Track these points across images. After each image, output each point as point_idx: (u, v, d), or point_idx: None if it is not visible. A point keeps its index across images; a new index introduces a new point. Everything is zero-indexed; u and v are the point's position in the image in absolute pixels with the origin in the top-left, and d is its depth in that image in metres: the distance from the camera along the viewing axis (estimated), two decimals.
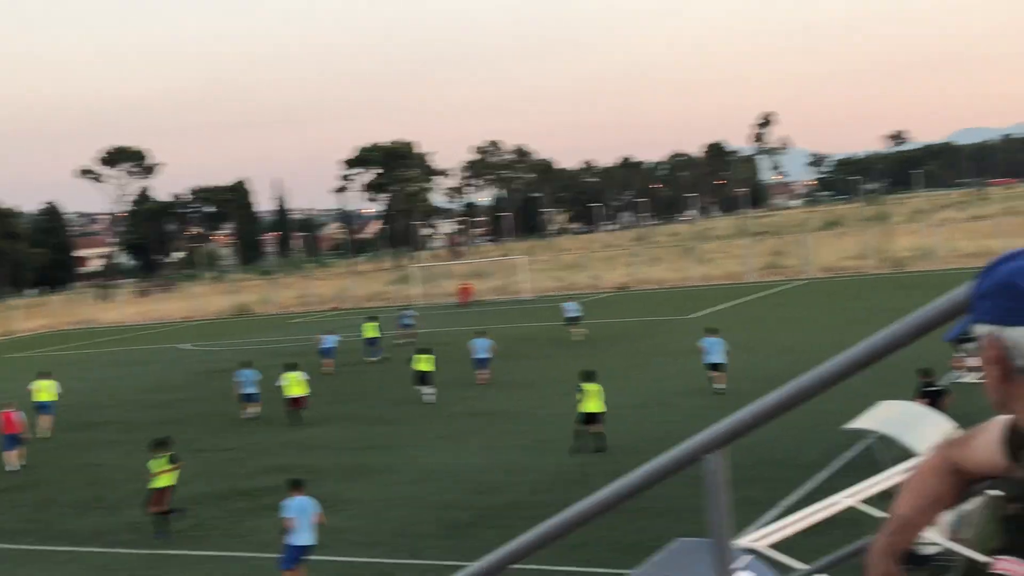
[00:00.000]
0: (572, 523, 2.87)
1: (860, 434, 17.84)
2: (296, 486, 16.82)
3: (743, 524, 16.23)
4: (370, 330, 43.00)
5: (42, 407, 32.51)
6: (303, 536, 16.26)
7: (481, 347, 34.90)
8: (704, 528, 2.72)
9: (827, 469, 19.94)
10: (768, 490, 18.85)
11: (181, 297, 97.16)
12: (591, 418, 24.03)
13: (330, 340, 41.23)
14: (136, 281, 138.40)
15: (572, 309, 45.85)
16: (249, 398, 32.18)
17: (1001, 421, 2.20)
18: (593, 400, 24.10)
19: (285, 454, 26.38)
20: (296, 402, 30.78)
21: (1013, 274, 1.95)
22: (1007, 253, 2.01)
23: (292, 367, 31.63)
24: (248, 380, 32.41)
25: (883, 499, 7.59)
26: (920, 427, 15.60)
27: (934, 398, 19.62)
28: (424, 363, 32.40)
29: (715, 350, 29.41)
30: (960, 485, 2.27)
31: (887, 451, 16.44)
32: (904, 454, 14.58)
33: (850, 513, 7.59)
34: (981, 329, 2.00)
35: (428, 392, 31.95)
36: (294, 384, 30.88)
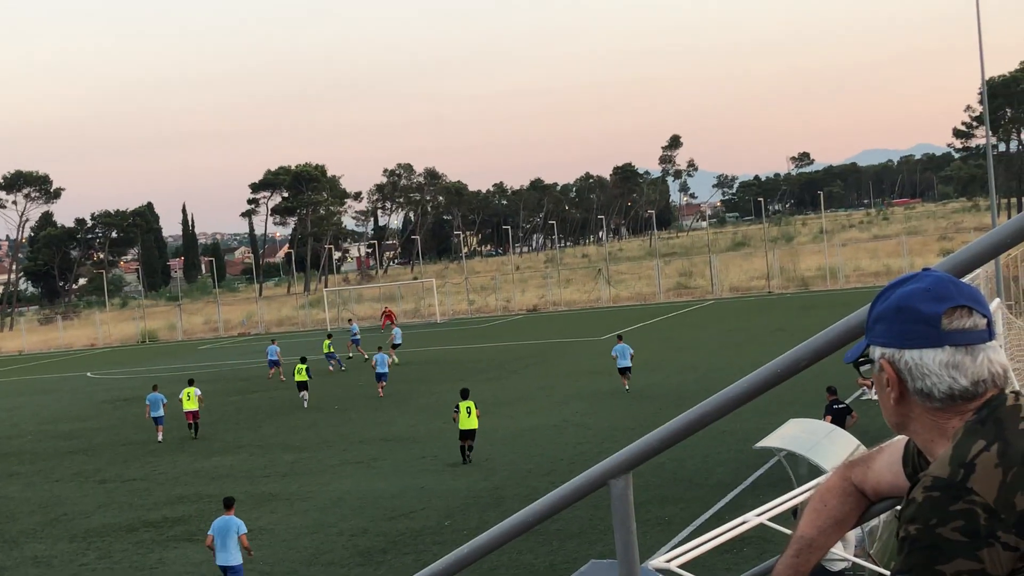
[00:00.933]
0: (486, 547, 2.86)
1: (770, 452, 18.06)
2: (227, 505, 16.89)
3: (656, 544, 16.32)
4: (326, 346, 46.74)
5: None
6: (220, 555, 16.32)
7: (381, 361, 37.75)
8: (615, 549, 2.73)
9: (738, 487, 20.15)
10: (681, 510, 18.99)
11: (85, 324, 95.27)
12: (467, 434, 25.09)
13: (272, 351, 45.42)
14: (38, 308, 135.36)
15: (398, 335, 49.39)
16: (156, 421, 32.44)
17: (900, 442, 2.24)
18: (468, 417, 25.11)
19: (192, 483, 25.92)
20: (188, 416, 32.75)
21: (908, 297, 1.98)
22: (901, 276, 2.05)
23: (190, 382, 33.64)
24: (155, 403, 32.49)
25: (793, 517, 7.66)
26: (828, 445, 15.84)
27: (840, 416, 19.93)
28: (303, 373, 36.52)
29: (624, 355, 33.16)
30: (861, 505, 2.30)
31: (797, 469, 16.68)
32: (814, 472, 14.79)
33: (760, 531, 7.65)
34: (877, 351, 2.03)
35: (305, 396, 36.53)
36: (186, 399, 32.69)
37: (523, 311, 72.59)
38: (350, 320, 58.92)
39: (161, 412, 32.34)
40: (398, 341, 48.40)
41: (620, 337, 35.45)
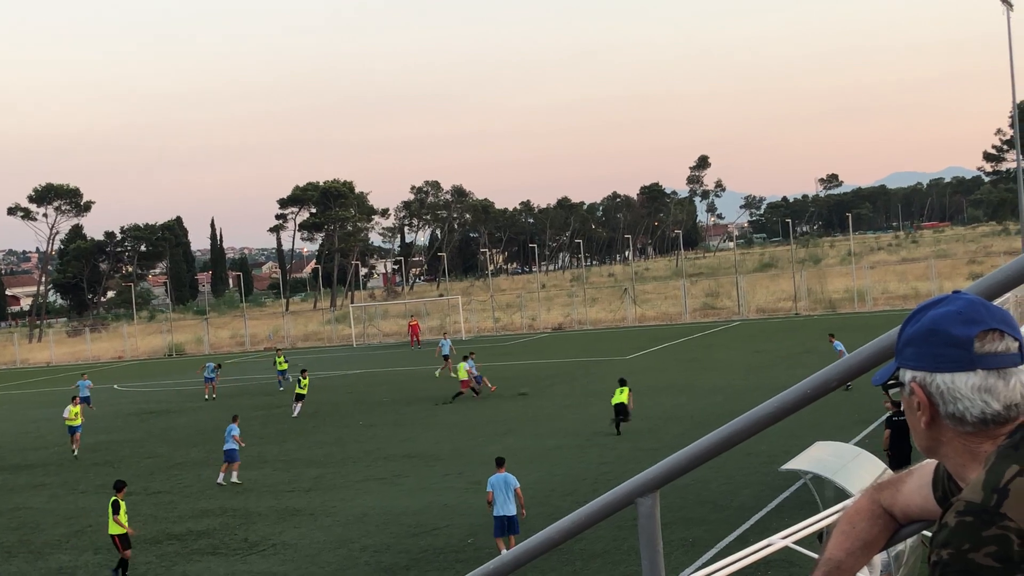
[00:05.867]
0: (509, 566, 2.86)
1: (796, 475, 17.95)
2: (499, 464, 19.13)
3: (680, 566, 16.24)
4: (461, 372, 41.14)
5: None
6: (501, 507, 18.46)
7: (445, 345, 48.52)
8: (639, 570, 2.71)
9: (763, 510, 20.03)
10: (705, 532, 18.89)
11: (113, 337, 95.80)
12: (620, 408, 29.84)
13: (209, 368, 48.74)
14: (67, 321, 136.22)
15: (446, 346, 50.13)
16: (228, 455, 27.97)
17: (929, 465, 2.22)
18: (621, 394, 29.95)
19: (217, 497, 25.99)
20: (464, 383, 38.83)
21: (939, 320, 1.97)
22: (932, 299, 2.03)
23: (465, 357, 40.29)
24: (228, 434, 28.35)
25: (819, 540, 7.62)
26: (855, 468, 15.73)
27: (902, 429, 19.42)
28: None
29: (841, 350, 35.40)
30: (890, 528, 2.28)
31: (823, 492, 16.57)
32: (840, 495, 14.69)
33: (786, 554, 7.60)
34: (907, 374, 2.02)
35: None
36: (461, 371, 39.27)
37: (548, 329, 72.52)
38: (445, 335, 56.84)
39: (233, 445, 27.96)
40: (446, 352, 48.91)
41: (832, 336, 36.76)
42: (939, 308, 1.98)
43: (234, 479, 27.38)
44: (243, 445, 28.90)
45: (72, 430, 34.74)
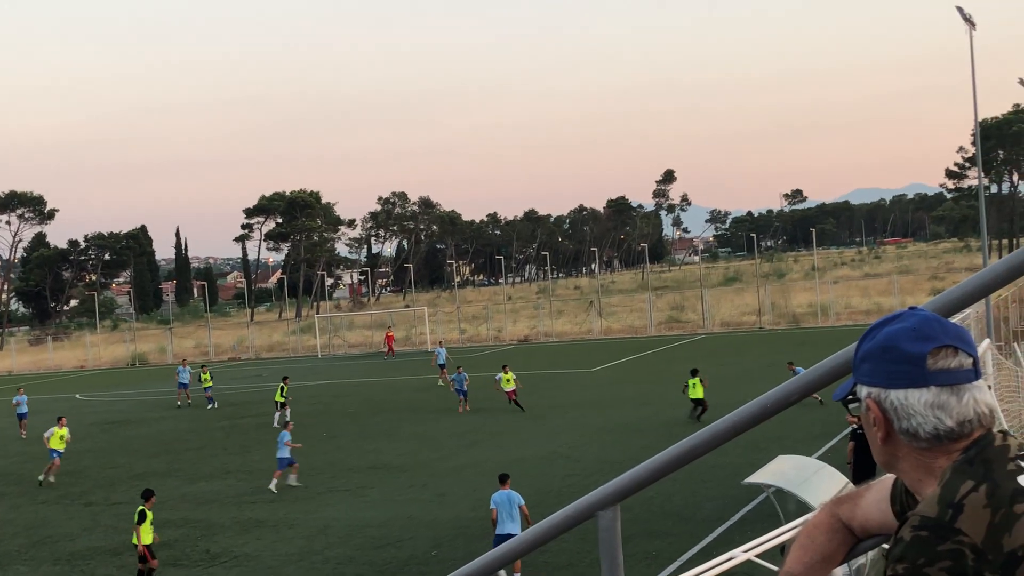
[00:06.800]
0: None
1: (758, 488, 18.03)
2: (503, 480, 18.35)
3: None
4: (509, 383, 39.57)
5: None
6: (505, 526, 17.56)
7: (440, 354, 48.44)
8: None
9: (726, 523, 20.10)
10: (668, 544, 18.93)
11: (75, 346, 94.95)
12: (698, 402, 31.66)
13: (184, 373, 48.34)
14: (29, 329, 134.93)
15: (441, 355, 49.92)
16: (282, 463, 27.41)
17: (888, 480, 2.24)
18: (696, 389, 31.84)
19: (179, 508, 25.78)
20: (511, 393, 37.62)
21: (893, 337, 1.99)
22: (887, 315, 2.06)
23: (504, 367, 38.71)
24: (280, 441, 27.73)
25: (780, 553, 7.67)
26: (817, 482, 15.82)
27: (867, 442, 19.65)
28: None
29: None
30: (849, 542, 2.30)
31: (785, 505, 16.65)
32: (802, 508, 14.77)
33: (748, 567, 7.65)
34: (864, 390, 2.04)
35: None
36: (512, 382, 37.75)
37: (514, 341, 72.54)
38: (440, 344, 56.82)
39: (286, 453, 27.36)
40: (441, 361, 48.90)
41: (792, 364, 33.64)
42: (893, 325, 2.01)
43: (291, 482, 27.05)
44: (300, 446, 28.44)
45: (53, 454, 30.84)
